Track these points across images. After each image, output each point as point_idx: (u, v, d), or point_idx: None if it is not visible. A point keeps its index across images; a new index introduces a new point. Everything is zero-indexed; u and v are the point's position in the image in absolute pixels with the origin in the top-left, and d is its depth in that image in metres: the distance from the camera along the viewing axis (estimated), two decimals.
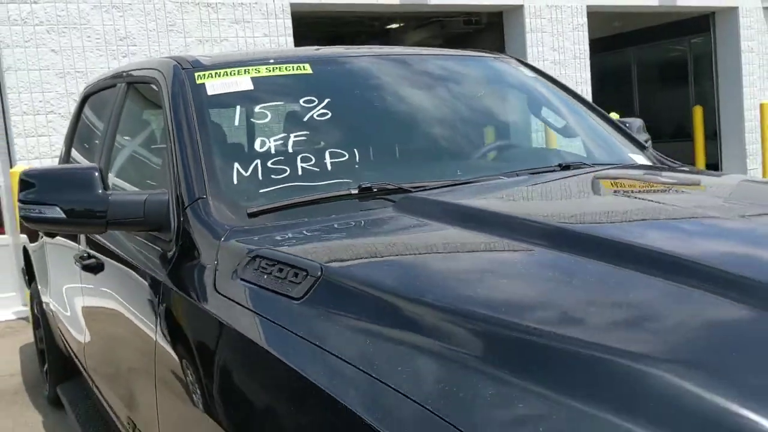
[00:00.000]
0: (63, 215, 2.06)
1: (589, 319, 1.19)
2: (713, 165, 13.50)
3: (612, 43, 17.13)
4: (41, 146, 7.14)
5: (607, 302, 1.24)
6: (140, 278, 2.16)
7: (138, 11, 7.72)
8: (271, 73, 2.42)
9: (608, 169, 2.28)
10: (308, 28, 13.30)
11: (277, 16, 9.04)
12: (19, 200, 2.11)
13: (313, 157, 2.11)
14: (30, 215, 2.08)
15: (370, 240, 1.73)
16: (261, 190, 2.03)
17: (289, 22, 9.13)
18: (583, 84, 11.65)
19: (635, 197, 1.90)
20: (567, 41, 11.46)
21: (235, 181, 2.05)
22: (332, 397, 1.17)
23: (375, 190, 1.99)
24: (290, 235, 1.79)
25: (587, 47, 11.69)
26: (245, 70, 2.41)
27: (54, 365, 4.35)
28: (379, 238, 1.73)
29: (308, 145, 2.20)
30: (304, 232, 1.80)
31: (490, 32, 13.49)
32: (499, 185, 2.04)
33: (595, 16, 12.19)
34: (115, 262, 2.45)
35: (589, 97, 11.70)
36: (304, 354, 1.32)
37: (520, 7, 11.13)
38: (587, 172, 2.17)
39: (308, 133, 2.24)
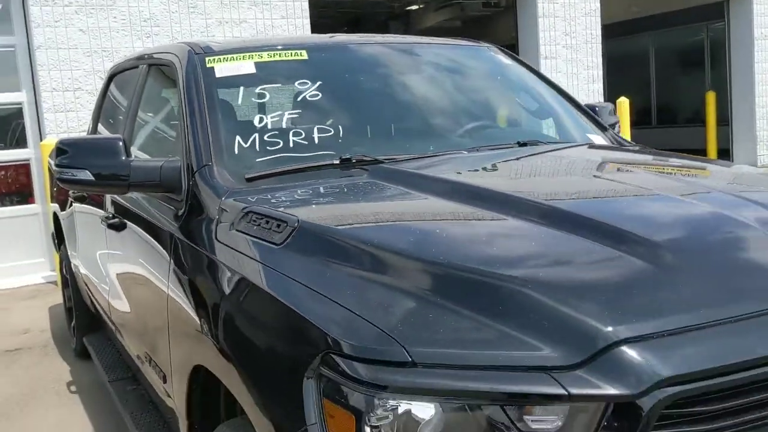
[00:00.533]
0: (92, 177, 2.45)
1: (490, 251, 1.57)
2: (725, 151, 13.68)
3: (630, 27, 17.26)
4: (69, 121, 7.57)
5: (505, 241, 1.61)
6: (156, 232, 2.55)
7: None
8: (272, 59, 2.79)
9: (557, 145, 2.64)
10: (328, 9, 13.62)
11: None
12: (56, 165, 2.50)
13: (303, 132, 2.48)
14: (64, 177, 2.47)
15: (341, 199, 2.11)
16: (257, 159, 2.41)
17: (306, 4, 9.44)
18: (594, 68, 11.87)
19: (562, 167, 2.26)
20: (579, 26, 11.66)
21: (236, 151, 2.43)
22: (297, 312, 1.55)
23: (354, 160, 2.36)
24: (279, 195, 2.17)
25: (599, 32, 11.88)
26: (249, 55, 2.77)
27: (81, 320, 4.79)
28: (349, 198, 2.11)
29: (300, 121, 2.57)
30: (291, 193, 2.18)
31: (507, 16, 13.69)
32: (456, 158, 2.41)
33: (612, 0, 12.39)
34: (135, 221, 2.85)
35: (600, 81, 11.93)
36: (280, 284, 1.70)
37: None
38: (537, 149, 2.54)
39: (300, 111, 2.61)
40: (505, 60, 3.29)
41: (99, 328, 4.50)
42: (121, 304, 3.15)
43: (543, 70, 11.32)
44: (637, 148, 2.89)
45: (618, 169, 2.27)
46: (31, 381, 4.68)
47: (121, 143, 2.47)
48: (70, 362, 4.99)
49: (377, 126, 2.75)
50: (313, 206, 2.06)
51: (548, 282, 1.42)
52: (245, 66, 2.71)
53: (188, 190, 2.37)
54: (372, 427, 1.34)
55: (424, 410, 1.33)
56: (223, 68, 2.70)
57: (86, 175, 2.45)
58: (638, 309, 1.37)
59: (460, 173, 2.21)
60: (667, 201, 1.84)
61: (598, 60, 11.91)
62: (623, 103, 11.72)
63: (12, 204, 7.85)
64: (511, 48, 12.17)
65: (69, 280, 5.06)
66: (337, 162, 2.36)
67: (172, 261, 2.30)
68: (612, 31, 15.57)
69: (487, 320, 1.38)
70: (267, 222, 1.93)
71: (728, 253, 1.56)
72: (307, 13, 9.47)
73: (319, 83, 2.68)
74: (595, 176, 2.09)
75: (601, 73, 11.96)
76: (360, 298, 1.52)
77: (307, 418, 1.45)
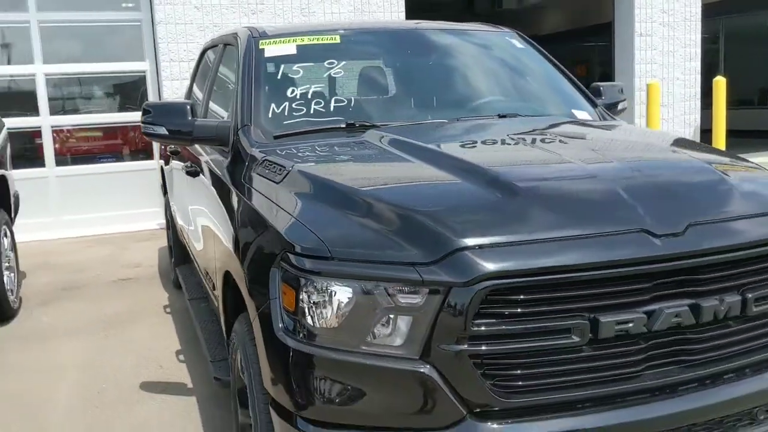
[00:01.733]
0: (166, 132, 3.24)
1: (394, 186, 2.24)
2: None
3: (738, 5, 16.70)
4: (183, 88, 8.59)
5: (407, 180, 2.29)
6: (213, 176, 3.32)
7: None
8: (311, 42, 3.49)
9: (531, 118, 3.21)
10: None
11: None
12: (141, 122, 3.31)
13: (322, 101, 3.18)
14: (146, 131, 3.28)
15: (331, 152, 2.80)
16: (285, 122, 3.13)
17: None
18: (692, 46, 11.81)
19: (502, 133, 2.85)
20: (678, 4, 11.62)
21: (270, 115, 3.16)
22: (274, 227, 2.27)
23: (356, 125, 3.03)
24: (291, 149, 2.88)
25: (699, 10, 11.78)
26: (293, 39, 3.48)
27: (177, 255, 5.73)
28: (337, 152, 2.79)
29: (322, 93, 3.27)
30: (300, 147, 2.89)
31: None
32: (437, 126, 3.04)
33: None
34: (202, 168, 3.64)
35: (698, 60, 11.85)
36: (271, 209, 2.42)
37: None
38: (510, 120, 3.13)
39: (323, 85, 3.31)
40: (518, 44, 3.84)
41: (189, 260, 5.42)
42: (194, 234, 3.97)
43: (637, 47, 11.44)
44: (607, 123, 3.38)
45: (548, 137, 2.81)
46: (137, 303, 5.68)
47: (188, 107, 3.25)
48: (169, 291, 5.97)
49: (384, 98, 3.41)
50: (309, 156, 2.76)
51: (424, 208, 2.06)
52: (288, 48, 3.42)
53: (233, 143, 3.12)
54: (305, 298, 2.03)
55: (343, 292, 2.00)
56: (271, 49, 3.43)
57: (162, 130, 3.25)
58: (481, 226, 1.99)
59: (420, 135, 2.86)
60: (558, 163, 2.41)
61: (697, 38, 11.83)
62: (719, 82, 11.63)
63: (137, 160, 9.01)
64: (608, 26, 12.29)
65: (170, 222, 6.02)
66: (344, 126, 3.05)
67: (218, 196, 3.06)
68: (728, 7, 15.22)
69: (382, 232, 2.04)
70: (274, 167, 2.64)
71: (569, 196, 2.14)
72: None
73: (343, 63, 3.36)
74: (520, 140, 2.66)
75: (699, 51, 11.88)
76: (310, 217, 2.21)
77: (271, 295, 2.16)
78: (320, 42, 3.47)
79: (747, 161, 2.70)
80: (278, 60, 3.42)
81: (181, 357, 4.49)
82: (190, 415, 3.66)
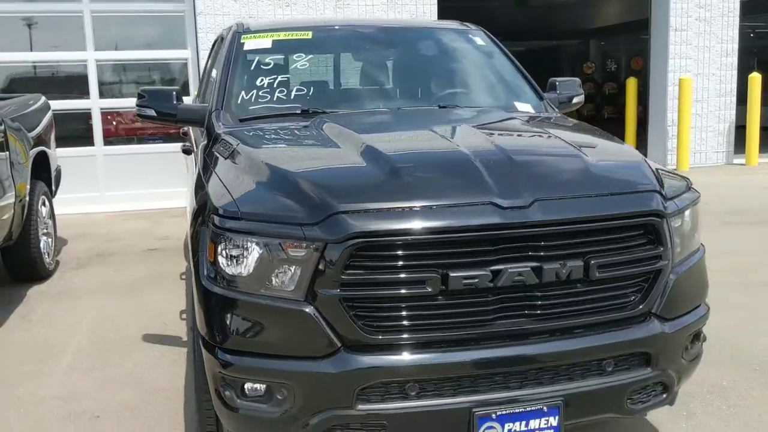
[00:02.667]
0: (155, 114, 3.77)
1: (298, 161, 2.70)
2: None
3: None
4: None
5: (312, 156, 2.78)
6: (195, 153, 3.84)
7: None
8: (285, 37, 3.96)
9: (466, 108, 3.62)
10: None
11: None
12: (136, 105, 3.85)
13: (285, 90, 3.65)
14: (140, 113, 3.81)
15: (274, 134, 3.27)
16: (250, 107, 3.62)
17: None
18: (729, 42, 11.80)
19: (420, 120, 3.26)
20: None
21: (239, 101, 3.65)
22: (207, 192, 2.76)
23: (310, 111, 3.50)
24: (250, 130, 3.36)
25: (737, 6, 11.75)
26: (270, 34, 3.96)
27: None
28: (280, 133, 3.27)
29: (287, 83, 3.74)
30: (255, 129, 3.37)
31: None
32: (376, 113, 3.49)
33: None
34: (192, 146, 4.17)
35: (735, 55, 11.82)
36: (212, 178, 2.91)
37: None
38: (445, 110, 3.54)
39: (289, 76, 3.78)
40: (480, 42, 4.22)
41: None
42: (189, 203, 4.53)
43: (672, 42, 11.51)
44: (533, 114, 3.71)
45: (458, 125, 3.21)
46: (158, 270, 6.29)
47: (174, 93, 3.77)
48: (189, 260, 6.56)
49: (340, 88, 3.86)
50: (254, 137, 3.24)
51: (315, 180, 2.52)
52: (265, 42, 3.91)
53: (207, 125, 3.63)
54: (220, 250, 2.51)
55: (248, 245, 2.47)
56: (250, 43, 3.92)
57: (152, 112, 3.77)
58: (355, 195, 2.43)
59: (354, 121, 3.30)
60: (441, 147, 2.87)
61: (734, 34, 11.81)
62: (754, 78, 11.62)
63: (176, 142, 9.68)
64: (645, 21, 12.33)
65: None
66: (299, 112, 3.52)
67: (196, 165, 3.58)
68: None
69: (283, 198, 2.50)
70: (226, 144, 3.14)
71: (435, 173, 2.57)
72: None
73: (310, 56, 3.82)
74: (431, 127, 3.07)
75: (735, 47, 11.85)
76: (234, 185, 2.69)
77: (200, 248, 2.65)
78: (294, 37, 3.94)
79: (634, 154, 3.02)
80: (254, 53, 3.90)
81: (183, 315, 5.06)
82: (176, 361, 4.22)
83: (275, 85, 3.71)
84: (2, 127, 5.28)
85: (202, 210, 2.76)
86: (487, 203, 2.42)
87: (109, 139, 9.54)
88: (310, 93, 3.68)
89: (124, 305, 5.36)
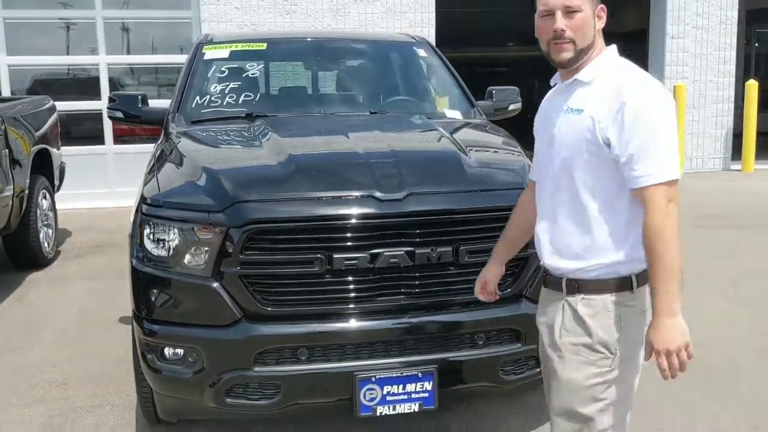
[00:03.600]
0: (122, 116, 4.23)
1: (221, 157, 3.11)
2: None
3: None
4: None
5: (233, 154, 3.17)
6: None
7: None
8: (242, 48, 4.39)
9: (392, 115, 4.02)
10: None
11: None
12: (107, 107, 4.31)
13: (235, 95, 4.08)
14: (110, 115, 4.28)
15: (218, 134, 3.70)
16: (202, 111, 4.06)
17: None
18: (727, 49, 12.00)
19: (349, 127, 3.66)
20: (713, 7, 11.81)
21: (193, 105, 4.09)
22: (145, 182, 3.20)
23: (253, 115, 3.93)
24: (195, 131, 3.80)
25: (735, 14, 11.93)
26: (228, 45, 4.39)
27: None
28: (222, 133, 3.70)
29: (237, 89, 4.16)
30: (202, 130, 3.80)
31: None
32: (309, 118, 3.91)
33: None
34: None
35: (732, 62, 11.99)
36: (152, 170, 3.34)
37: None
38: (373, 116, 3.94)
39: (240, 83, 4.20)
40: (423, 53, 4.61)
41: None
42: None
43: (668, 49, 11.75)
44: (454, 120, 4.08)
45: (370, 128, 3.61)
46: None
47: (140, 97, 4.23)
48: None
49: (282, 94, 4.28)
50: (195, 137, 3.68)
51: (226, 174, 2.95)
52: (223, 52, 4.34)
53: (165, 125, 4.07)
54: (145, 233, 2.94)
55: (167, 229, 2.90)
56: (210, 53, 4.36)
57: (120, 114, 4.24)
58: (255, 187, 2.85)
59: (286, 124, 3.72)
60: (342, 148, 3.29)
61: (732, 41, 11.99)
62: (751, 85, 11.80)
63: None
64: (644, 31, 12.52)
65: None
66: (243, 116, 3.95)
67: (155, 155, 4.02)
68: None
69: (199, 189, 2.92)
70: (170, 143, 3.59)
71: (327, 170, 2.98)
72: None
73: (260, 66, 4.25)
74: (347, 131, 3.47)
75: (734, 54, 12.04)
76: (163, 178, 3.13)
77: (133, 233, 3.09)
78: (250, 48, 4.37)
79: (515, 158, 3.38)
80: (212, 62, 4.34)
81: None
82: None
83: (227, 91, 4.15)
84: (3, 127, 5.79)
85: (138, 199, 3.20)
86: (367, 196, 2.82)
87: (119, 138, 10.07)
88: (257, 99, 4.11)
89: (110, 291, 5.82)
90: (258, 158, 3.20)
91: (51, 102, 7.48)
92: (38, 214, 6.42)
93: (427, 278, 2.88)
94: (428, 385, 2.88)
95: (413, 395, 2.87)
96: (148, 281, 2.95)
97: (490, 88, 4.65)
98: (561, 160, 2.09)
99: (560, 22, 2.02)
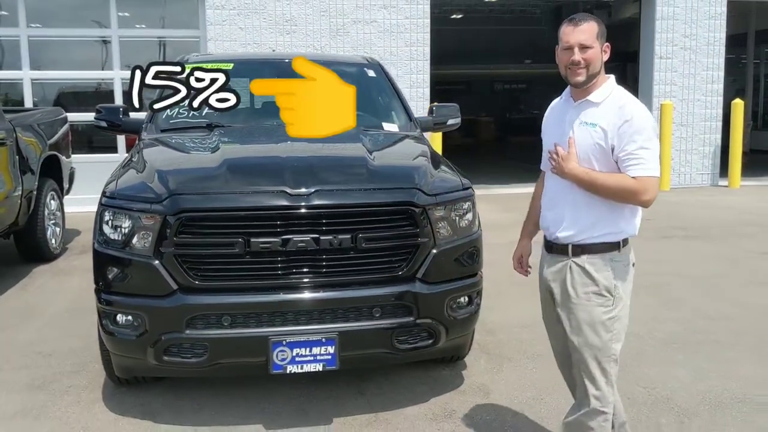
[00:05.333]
0: (106, 125, 4.91)
1: (164, 160, 3.77)
2: None
3: None
4: None
5: (176, 157, 3.84)
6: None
7: (300, 0, 10.62)
8: (212, 67, 5.03)
9: None
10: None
11: (418, 2, 11.33)
12: (94, 117, 4.99)
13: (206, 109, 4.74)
14: (96, 125, 4.97)
15: (178, 140, 4.35)
16: (171, 121, 4.72)
17: (428, 7, 11.39)
18: (714, 70, 12.44)
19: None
20: (701, 29, 12.27)
21: (164, 116, 4.75)
22: (126, 169, 3.86)
23: (213, 125, 4.57)
24: (162, 137, 4.45)
25: (723, 36, 12.37)
26: (201, 65, 5.04)
27: None
28: (182, 140, 4.35)
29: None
30: (167, 137, 4.45)
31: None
32: (259, 128, 4.55)
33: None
34: None
35: (720, 82, 12.43)
36: (120, 168, 4.00)
37: None
38: None
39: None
40: (371, 74, 5.24)
41: None
42: None
43: (657, 69, 12.22)
44: (387, 132, 4.69)
45: (302, 140, 4.22)
46: None
47: (121, 109, 4.91)
48: None
49: (245, 108, 4.92)
50: (157, 142, 4.32)
51: (168, 171, 3.58)
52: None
53: (140, 133, 4.74)
54: (102, 220, 3.59)
55: (119, 217, 3.55)
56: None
57: (104, 124, 4.92)
58: (188, 182, 3.49)
59: (237, 133, 4.36)
60: (270, 152, 3.93)
61: (720, 62, 12.43)
62: (737, 104, 12.23)
63: None
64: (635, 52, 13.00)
65: None
66: (204, 126, 4.60)
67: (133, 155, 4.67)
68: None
69: (147, 184, 3.56)
70: (138, 148, 4.24)
71: (249, 169, 3.62)
72: (428, 14, 11.41)
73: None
74: (284, 140, 4.08)
75: (722, 74, 12.48)
76: (122, 175, 3.78)
77: (96, 220, 3.73)
78: (218, 67, 5.00)
79: (417, 164, 3.95)
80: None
81: None
82: None
83: (194, 105, 4.79)
84: (14, 135, 6.53)
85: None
86: (279, 191, 3.44)
87: (132, 147, 10.82)
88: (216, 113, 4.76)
89: None
90: (200, 161, 3.86)
91: (64, 114, 8.24)
92: (46, 214, 7.14)
93: (331, 260, 3.48)
94: (331, 349, 3.47)
95: (318, 357, 3.46)
96: (105, 260, 3.60)
97: (431, 105, 5.26)
98: (584, 162, 2.77)
99: (577, 55, 2.73)
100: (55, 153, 7.56)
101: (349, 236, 3.46)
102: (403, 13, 11.31)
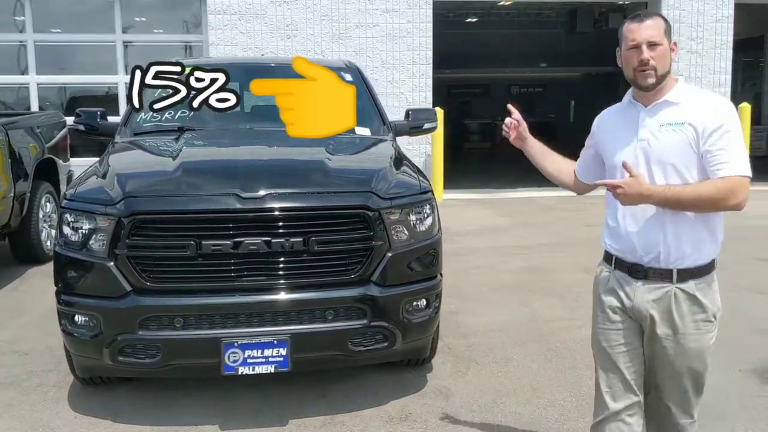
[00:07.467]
0: (84, 128, 4.99)
1: (130, 162, 3.82)
2: None
3: None
4: None
5: (144, 162, 3.87)
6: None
7: (301, 5, 10.69)
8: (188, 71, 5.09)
9: None
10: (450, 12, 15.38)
11: (420, 6, 11.36)
12: (73, 121, 5.07)
13: (173, 112, 4.79)
14: (75, 128, 5.04)
15: (144, 143, 4.41)
16: (144, 125, 4.78)
17: (430, 12, 11.41)
18: (721, 73, 12.32)
19: (250, 140, 4.31)
20: (707, 32, 12.15)
21: (138, 120, 4.82)
22: (90, 172, 3.92)
23: (184, 128, 4.63)
24: (131, 141, 4.51)
25: (730, 39, 12.24)
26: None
27: None
28: (148, 143, 4.41)
29: (180, 108, 4.87)
30: (136, 140, 4.52)
31: None
32: (227, 131, 4.59)
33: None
34: None
35: (727, 86, 12.30)
36: (95, 167, 4.06)
37: (658, 0, 12.05)
38: (277, 131, 4.60)
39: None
40: (348, 77, 5.25)
41: None
42: None
43: None
44: (355, 137, 4.70)
45: (263, 143, 4.23)
46: None
47: (99, 113, 4.99)
48: None
49: (209, 111, 4.95)
50: (125, 145, 4.39)
51: (126, 175, 3.65)
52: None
53: (114, 136, 4.81)
54: (61, 222, 3.64)
55: (76, 219, 3.60)
56: None
57: (82, 127, 5.00)
58: (143, 186, 3.54)
59: (205, 136, 4.42)
60: (228, 155, 3.99)
61: (727, 65, 12.31)
62: (744, 108, 12.09)
63: None
64: None
65: None
66: (176, 129, 4.65)
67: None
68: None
69: (103, 187, 3.62)
70: (107, 151, 4.31)
71: (204, 173, 3.65)
72: (431, 19, 11.42)
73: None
74: (245, 143, 4.12)
75: (729, 78, 12.35)
76: (84, 178, 3.83)
77: (58, 227, 3.79)
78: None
79: (375, 168, 3.94)
80: None
81: None
82: None
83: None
84: (6, 138, 6.65)
85: None
86: (231, 194, 3.47)
87: None
88: (190, 115, 4.81)
89: None
90: (159, 164, 3.91)
91: (63, 118, 8.37)
92: (40, 216, 7.25)
93: (283, 263, 3.51)
94: (283, 351, 3.49)
95: (270, 359, 3.49)
96: (64, 262, 3.65)
97: (408, 109, 5.28)
98: (670, 166, 2.48)
99: (646, 53, 2.46)
100: (52, 156, 7.68)
101: (301, 239, 3.48)
102: (405, 17, 11.33)
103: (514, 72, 27.55)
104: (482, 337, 5.00)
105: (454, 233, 8.57)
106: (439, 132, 10.83)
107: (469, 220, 9.64)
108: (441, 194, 11.12)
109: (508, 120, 2.86)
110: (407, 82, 11.27)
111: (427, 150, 11.35)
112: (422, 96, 11.38)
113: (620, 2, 16.55)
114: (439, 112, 10.96)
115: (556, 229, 8.82)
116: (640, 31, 2.49)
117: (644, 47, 2.48)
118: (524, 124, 2.86)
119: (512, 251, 7.74)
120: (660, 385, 2.66)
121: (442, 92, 19.46)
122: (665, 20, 2.54)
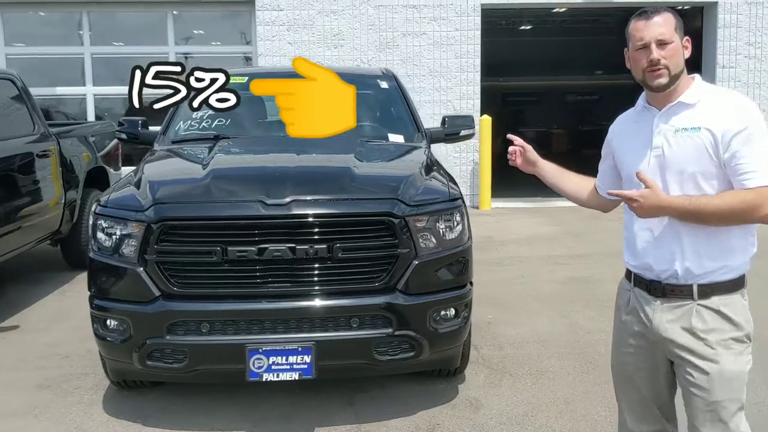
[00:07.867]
0: (126, 137, 5.11)
1: (162, 173, 3.88)
2: None
3: None
4: None
5: (178, 170, 3.92)
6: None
7: (348, 15, 10.75)
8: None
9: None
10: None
11: (468, 14, 11.30)
12: (116, 130, 5.19)
13: (211, 121, 4.85)
14: (117, 136, 5.18)
15: (180, 151, 4.48)
16: (182, 133, 4.86)
17: (478, 19, 11.33)
18: None
19: (282, 147, 4.33)
20: (766, 36, 11.75)
21: (176, 129, 4.90)
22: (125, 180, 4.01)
23: (220, 136, 4.68)
24: (169, 149, 4.59)
25: None
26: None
27: None
28: (184, 151, 4.47)
29: (213, 116, 4.93)
30: (174, 148, 4.59)
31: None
32: (261, 139, 4.62)
33: None
34: None
35: None
36: (132, 174, 4.15)
37: (714, 4, 11.74)
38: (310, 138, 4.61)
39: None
40: (384, 84, 5.25)
41: None
42: None
43: (719, 79, 11.78)
44: (387, 144, 4.68)
45: (294, 151, 4.22)
46: None
47: (140, 122, 5.10)
48: None
49: (246, 119, 5.01)
50: (163, 154, 4.46)
51: (158, 182, 3.70)
52: None
53: (154, 145, 4.90)
54: (95, 228, 3.72)
55: (109, 225, 3.68)
56: None
57: (124, 136, 5.12)
58: (173, 192, 3.59)
59: (239, 144, 4.47)
60: (260, 163, 4.02)
61: None
62: None
63: None
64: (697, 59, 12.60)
65: None
66: (212, 137, 4.71)
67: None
68: None
69: (135, 193, 3.68)
70: (151, 155, 4.40)
71: (234, 181, 3.68)
72: (479, 26, 11.34)
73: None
74: (278, 151, 4.14)
75: None
76: (119, 185, 3.92)
77: (91, 233, 3.87)
78: (233, 81, 5.13)
79: (401, 176, 3.88)
80: None
81: None
82: None
83: (205, 117, 4.94)
84: (58, 147, 6.85)
85: None
86: (257, 201, 3.49)
87: None
88: (227, 123, 4.87)
89: None
90: (190, 171, 3.96)
91: (115, 128, 8.59)
92: (90, 223, 7.44)
93: (308, 269, 3.50)
94: (307, 358, 3.48)
95: (295, 366, 3.49)
96: (97, 267, 3.73)
97: (444, 115, 5.23)
98: (687, 175, 2.28)
99: (655, 52, 2.26)
100: (103, 165, 7.88)
101: (325, 246, 3.47)
102: (453, 25, 11.27)
103: (569, 80, 27.22)
104: (518, 348, 4.90)
105: (500, 242, 8.46)
106: (486, 140, 10.74)
107: (515, 228, 9.50)
108: (489, 203, 11.00)
109: (511, 147, 2.70)
110: (455, 90, 11.20)
111: (474, 158, 11.26)
112: (470, 104, 11.30)
113: (678, 7, 16.13)
114: (486, 120, 10.90)
115: (602, 238, 8.62)
116: (648, 29, 2.29)
117: (653, 46, 2.28)
118: (529, 148, 2.70)
119: (557, 260, 7.59)
120: (690, 421, 2.40)
121: (496, 100, 19.26)
122: (675, 15, 2.32)
